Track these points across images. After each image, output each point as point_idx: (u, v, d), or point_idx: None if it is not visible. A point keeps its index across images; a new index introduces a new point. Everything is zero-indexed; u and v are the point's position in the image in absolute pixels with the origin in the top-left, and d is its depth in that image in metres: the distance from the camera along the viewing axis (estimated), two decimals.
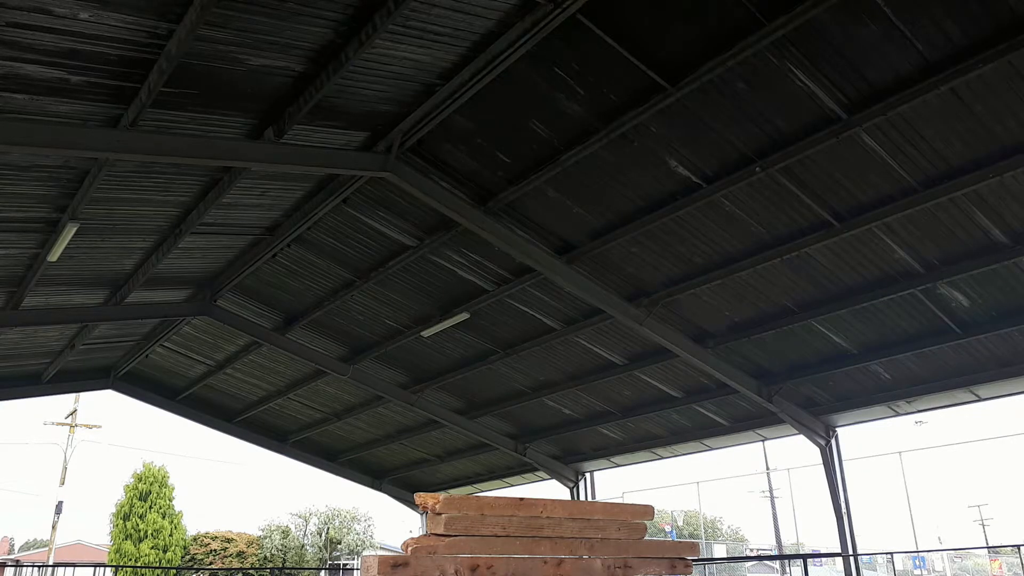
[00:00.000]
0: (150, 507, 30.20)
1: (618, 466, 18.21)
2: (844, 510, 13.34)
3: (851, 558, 13.25)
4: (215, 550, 32.27)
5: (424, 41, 7.93)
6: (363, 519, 36.94)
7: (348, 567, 34.27)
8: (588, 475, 18.64)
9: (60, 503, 34.18)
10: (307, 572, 33.33)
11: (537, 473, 19.32)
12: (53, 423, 36.43)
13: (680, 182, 9.74)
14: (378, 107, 9.16)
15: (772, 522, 38.95)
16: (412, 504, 22.08)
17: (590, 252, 11.28)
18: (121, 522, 29.92)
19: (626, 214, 10.50)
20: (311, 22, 7.46)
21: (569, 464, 18.53)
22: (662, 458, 17.31)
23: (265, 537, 34.25)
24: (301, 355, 15.74)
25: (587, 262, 11.53)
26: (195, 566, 31.23)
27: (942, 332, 11.17)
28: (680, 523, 43.44)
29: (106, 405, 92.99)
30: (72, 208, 10.07)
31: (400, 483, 22.24)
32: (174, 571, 29.42)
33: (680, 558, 6.13)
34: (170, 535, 30.04)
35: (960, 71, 7.50)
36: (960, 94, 7.78)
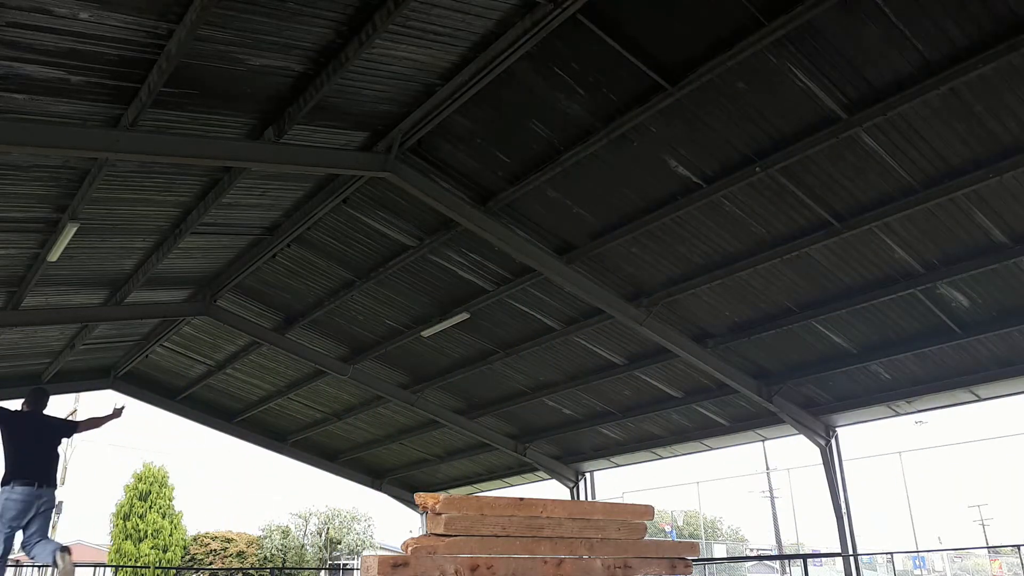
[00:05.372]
0: (150, 507, 30.16)
1: (618, 466, 18.21)
2: (844, 510, 13.34)
3: (851, 558, 13.25)
4: (215, 550, 32.27)
5: (424, 41, 7.93)
6: (363, 519, 36.96)
7: (348, 567, 34.28)
8: (588, 475, 18.64)
9: (60, 503, 34.20)
10: (307, 572, 33.33)
11: (537, 473, 19.32)
12: None
13: (680, 182, 9.74)
14: (378, 107, 9.16)
15: (772, 522, 39.03)
16: (412, 504, 22.08)
17: (590, 252, 11.28)
18: (121, 522, 29.89)
19: (626, 214, 10.50)
20: (311, 22, 7.46)
21: (569, 464, 18.54)
22: (662, 458, 17.30)
23: (265, 537, 34.26)
24: (301, 355, 15.74)
25: (587, 262, 11.54)
26: (195, 566, 31.23)
27: (942, 332, 11.17)
28: (680, 523, 43.41)
29: (106, 405, 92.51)
30: (72, 208, 10.06)
31: (400, 483, 22.24)
32: (174, 571, 29.41)
33: (680, 558, 6.13)
34: (170, 535, 30.00)
35: (960, 71, 7.49)
36: (960, 94, 7.78)
